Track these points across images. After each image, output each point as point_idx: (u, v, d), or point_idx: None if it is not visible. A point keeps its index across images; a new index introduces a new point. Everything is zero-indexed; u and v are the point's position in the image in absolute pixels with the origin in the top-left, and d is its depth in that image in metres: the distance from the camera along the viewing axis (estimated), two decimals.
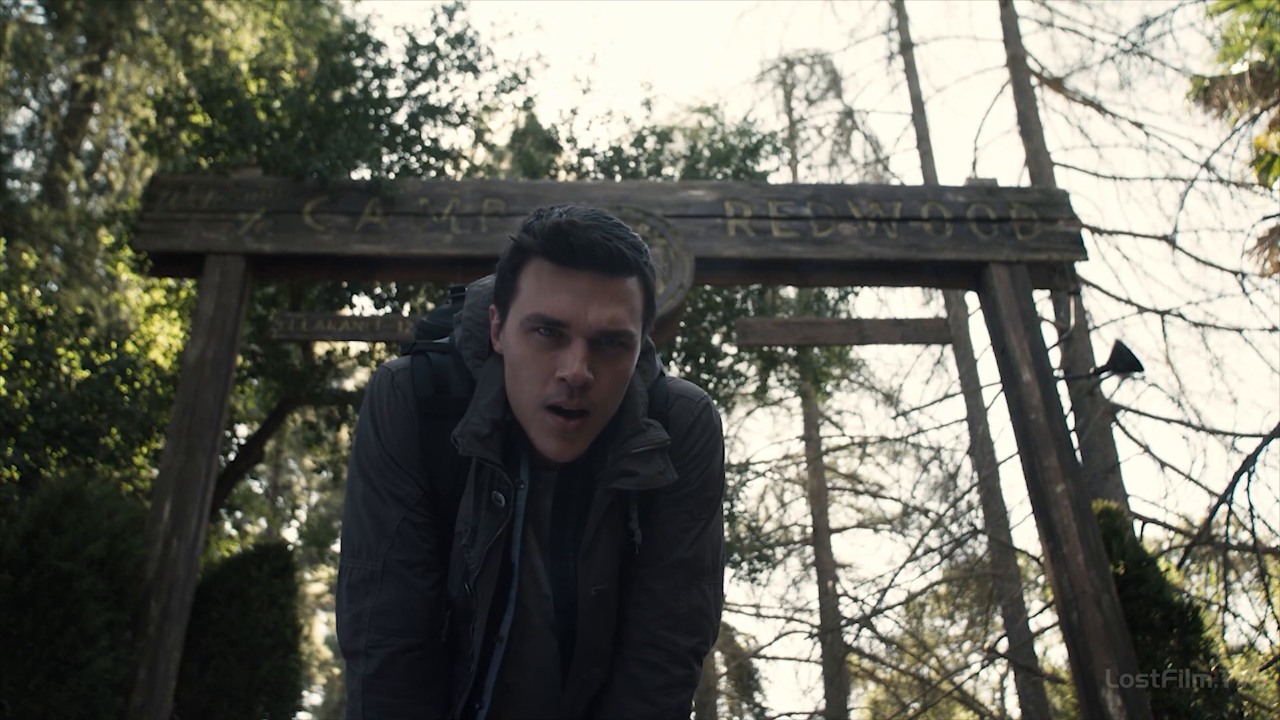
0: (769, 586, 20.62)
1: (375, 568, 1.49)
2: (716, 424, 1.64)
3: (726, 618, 19.51)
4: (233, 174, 6.67)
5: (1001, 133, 14.35)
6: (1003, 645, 13.06)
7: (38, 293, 6.93)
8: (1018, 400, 6.02)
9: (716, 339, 9.61)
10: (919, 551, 13.29)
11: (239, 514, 14.73)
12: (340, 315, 6.71)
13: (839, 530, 19.15)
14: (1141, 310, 12.40)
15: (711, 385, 9.40)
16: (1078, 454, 5.82)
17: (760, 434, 47.96)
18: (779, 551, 19.44)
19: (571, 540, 1.53)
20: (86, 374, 6.63)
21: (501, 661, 1.56)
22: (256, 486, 19.71)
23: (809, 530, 18.13)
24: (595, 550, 1.52)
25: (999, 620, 13.88)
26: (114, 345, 7.13)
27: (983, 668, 13.76)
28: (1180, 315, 12.11)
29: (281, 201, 6.45)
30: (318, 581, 23.74)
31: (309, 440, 8.58)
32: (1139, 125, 14.36)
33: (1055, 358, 11.29)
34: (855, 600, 15.98)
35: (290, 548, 6.57)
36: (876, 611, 14.10)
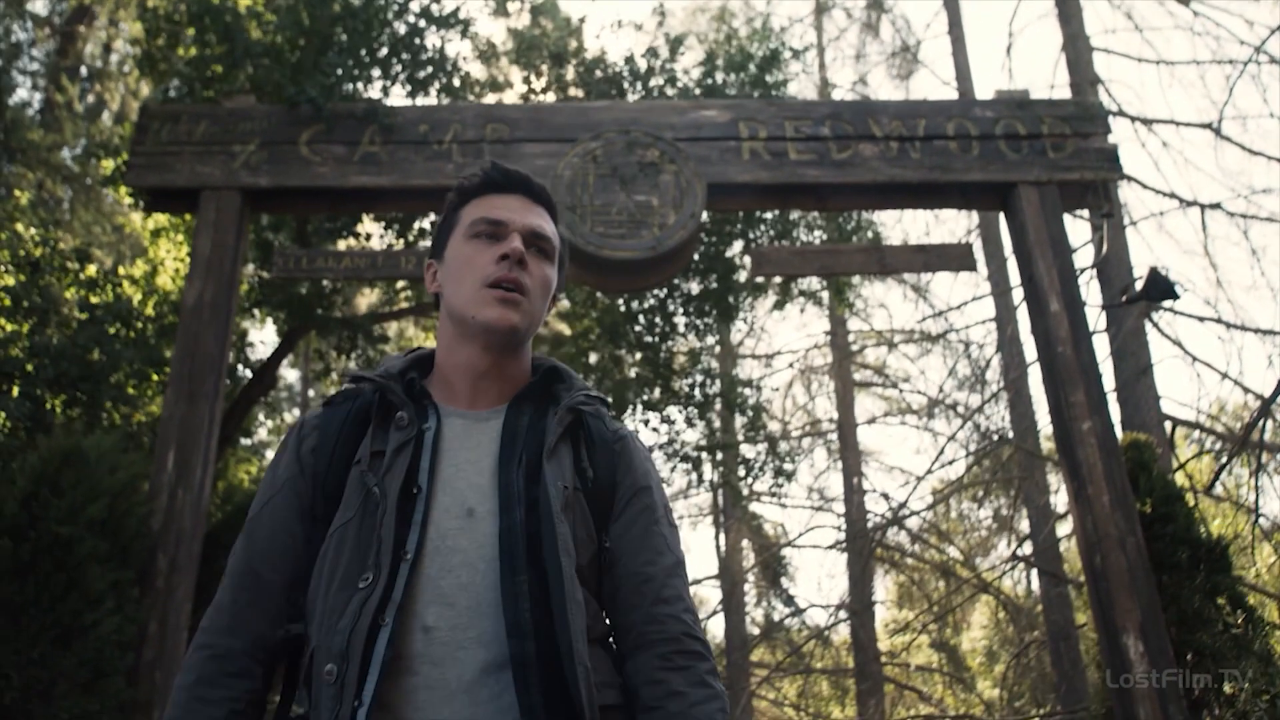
0: (795, 478, 20.74)
1: (234, 564, 1.60)
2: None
3: (755, 507, 19.65)
4: (225, 102, 6.38)
5: (1037, 17, 13.61)
6: (1027, 547, 13.06)
7: (33, 231, 6.73)
8: (1044, 332, 5.73)
9: (737, 246, 9.34)
10: (946, 449, 13.23)
11: (269, 422, 14.83)
12: (341, 251, 6.52)
13: (868, 422, 19.10)
14: (1183, 203, 11.89)
15: (731, 299, 9.16)
16: (1106, 390, 5.56)
17: (788, 324, 47.77)
18: (805, 443, 19.49)
19: (520, 464, 1.55)
20: (85, 316, 6.49)
21: (421, 596, 1.45)
22: (291, 376, 19.49)
23: (835, 424, 18.06)
24: (557, 455, 1.58)
25: (1025, 513, 13.85)
26: (118, 272, 6.96)
27: (1008, 569, 13.78)
28: (1220, 206, 11.59)
29: (276, 131, 6.17)
30: None
31: (317, 374, 8.47)
32: (1186, 3, 13.57)
33: (1086, 275, 10.85)
34: (884, 496, 16.00)
35: None
36: (903, 509, 14.11)
